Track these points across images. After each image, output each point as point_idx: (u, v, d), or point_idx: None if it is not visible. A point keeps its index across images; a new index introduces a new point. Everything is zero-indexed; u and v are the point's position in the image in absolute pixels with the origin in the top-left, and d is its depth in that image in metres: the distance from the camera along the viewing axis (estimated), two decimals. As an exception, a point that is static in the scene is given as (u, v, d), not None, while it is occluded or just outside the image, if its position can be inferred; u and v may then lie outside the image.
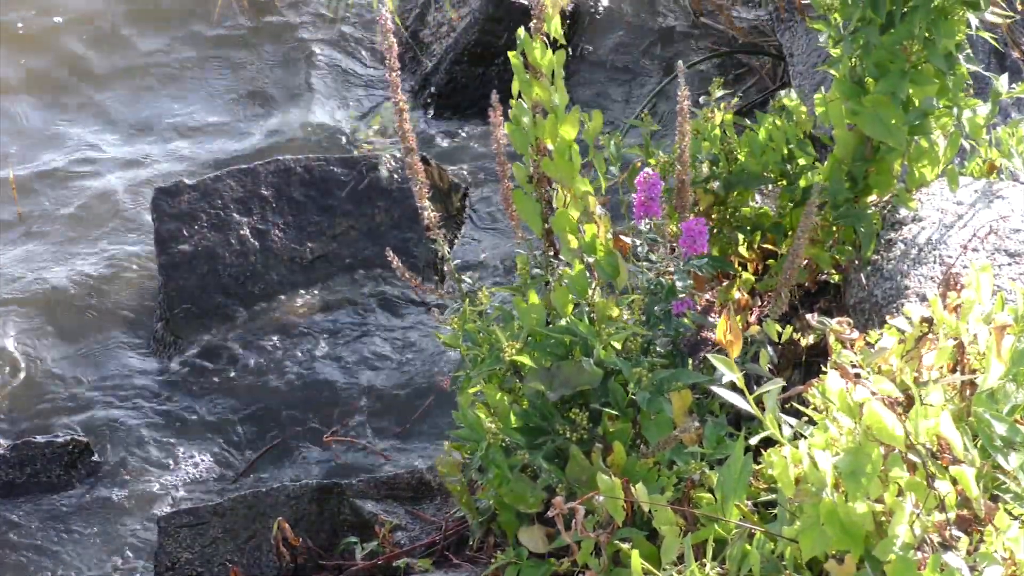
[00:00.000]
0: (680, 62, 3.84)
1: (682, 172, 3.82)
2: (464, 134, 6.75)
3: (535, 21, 3.65)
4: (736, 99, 4.51)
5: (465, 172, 6.49)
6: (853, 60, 3.98)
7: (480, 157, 6.59)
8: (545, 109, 3.70)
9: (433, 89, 7.04)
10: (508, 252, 6.04)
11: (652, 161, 4.19)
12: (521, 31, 3.65)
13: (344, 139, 6.75)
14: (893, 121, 3.91)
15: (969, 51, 3.97)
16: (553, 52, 3.66)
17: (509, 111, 3.73)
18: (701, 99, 4.22)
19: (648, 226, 3.66)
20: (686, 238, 3.60)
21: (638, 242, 3.69)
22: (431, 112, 6.92)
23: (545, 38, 3.66)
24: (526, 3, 6.95)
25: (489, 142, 6.53)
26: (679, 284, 3.59)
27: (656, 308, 3.60)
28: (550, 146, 3.71)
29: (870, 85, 3.96)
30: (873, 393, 2.78)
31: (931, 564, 2.53)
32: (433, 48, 7.23)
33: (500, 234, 6.16)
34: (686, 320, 3.65)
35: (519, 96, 3.71)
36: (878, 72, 3.92)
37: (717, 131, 4.21)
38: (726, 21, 6.92)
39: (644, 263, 3.64)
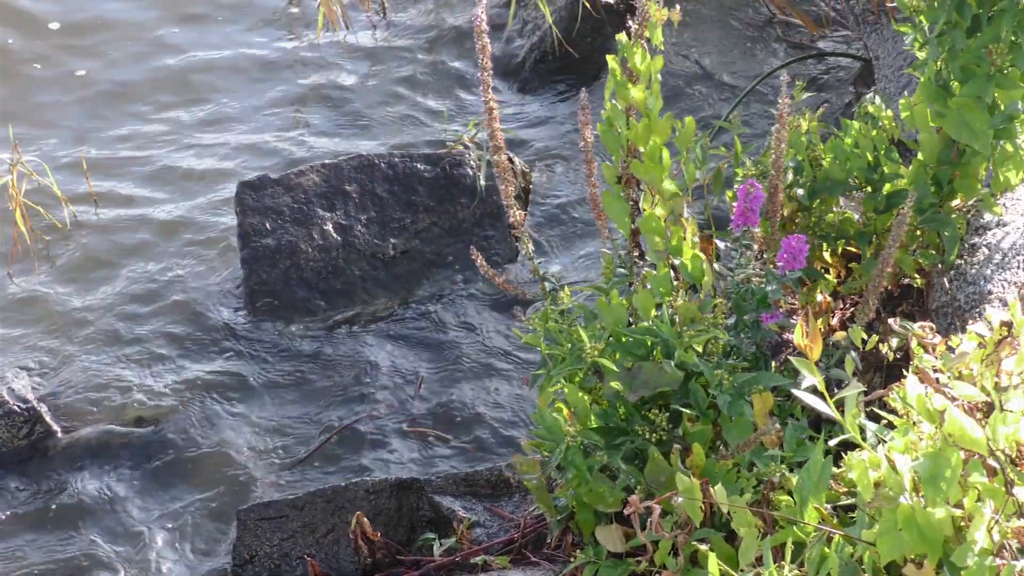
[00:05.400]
0: (784, 71, 3.83)
1: (775, 178, 3.80)
2: (544, 129, 6.78)
3: (636, 27, 3.66)
4: (820, 110, 4.47)
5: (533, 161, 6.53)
6: (939, 63, 3.96)
7: (551, 146, 6.64)
8: (638, 111, 3.72)
9: (517, 85, 7.08)
10: (572, 236, 6.08)
11: (739, 172, 4.18)
12: (622, 36, 3.67)
13: (430, 135, 6.78)
14: (978, 125, 3.89)
15: (1057, 56, 3.94)
16: (651, 57, 3.68)
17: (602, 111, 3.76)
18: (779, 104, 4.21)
19: (742, 232, 3.64)
20: (786, 254, 3.56)
21: (730, 245, 3.68)
22: (514, 108, 6.96)
23: (646, 43, 3.68)
24: (612, 3, 6.99)
25: (557, 137, 6.61)
26: (771, 294, 3.58)
27: (745, 316, 3.60)
28: (641, 148, 3.72)
29: (955, 88, 3.94)
30: (954, 399, 2.77)
31: (1007, 571, 2.52)
32: (519, 45, 7.26)
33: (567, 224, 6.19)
34: (771, 327, 3.64)
35: (612, 98, 3.73)
36: (963, 76, 3.90)
37: (803, 138, 4.19)
38: (804, 22, 6.88)
39: (734, 268, 3.64)
